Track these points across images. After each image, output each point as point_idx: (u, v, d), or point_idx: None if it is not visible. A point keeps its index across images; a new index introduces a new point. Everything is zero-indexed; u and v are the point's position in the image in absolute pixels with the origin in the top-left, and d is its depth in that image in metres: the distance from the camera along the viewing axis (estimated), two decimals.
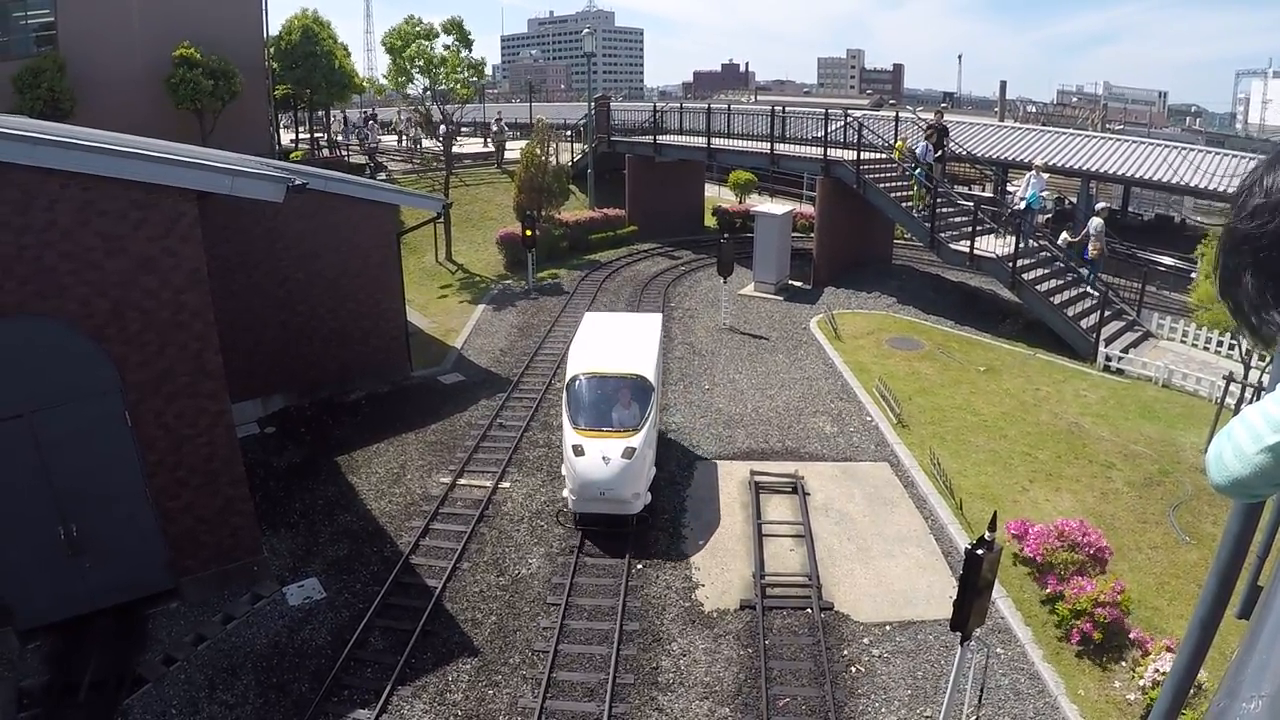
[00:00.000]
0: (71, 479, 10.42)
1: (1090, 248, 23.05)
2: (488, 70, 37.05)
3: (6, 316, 9.59)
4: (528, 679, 10.35)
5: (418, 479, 15.26)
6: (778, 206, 29.55)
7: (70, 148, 9.64)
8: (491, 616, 11.53)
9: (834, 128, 26.70)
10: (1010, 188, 30.76)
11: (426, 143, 41.40)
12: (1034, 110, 74.62)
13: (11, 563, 10.36)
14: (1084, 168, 32.66)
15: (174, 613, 11.34)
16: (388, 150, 42.63)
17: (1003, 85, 64.46)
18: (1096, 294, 22.51)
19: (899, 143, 27.75)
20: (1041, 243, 24.20)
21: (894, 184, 25.78)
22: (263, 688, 10.18)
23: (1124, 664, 10.35)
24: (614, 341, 15.14)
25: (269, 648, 10.86)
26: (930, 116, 28.80)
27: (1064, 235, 24.69)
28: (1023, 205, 23.78)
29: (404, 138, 42.58)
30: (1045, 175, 25.32)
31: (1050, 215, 26.84)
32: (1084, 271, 23.48)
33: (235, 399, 12.25)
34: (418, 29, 30.02)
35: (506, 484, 15.00)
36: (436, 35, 30.15)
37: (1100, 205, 24.85)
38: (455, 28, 30.32)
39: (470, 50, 30.61)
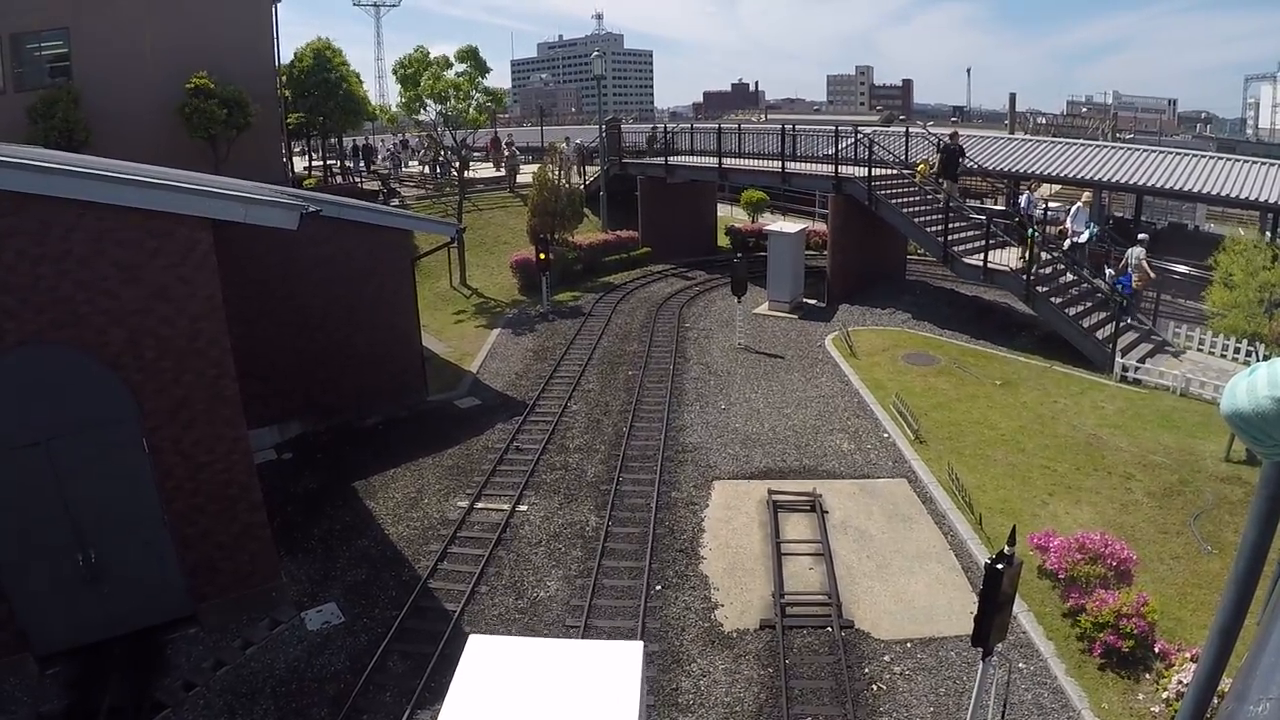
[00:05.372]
0: (89, 506, 10.49)
1: (1134, 279, 22.71)
2: (504, 99, 36.94)
3: (24, 345, 9.68)
4: None
5: (435, 503, 15.26)
6: (790, 225, 29.57)
7: (85, 177, 9.76)
8: None
9: (845, 145, 26.72)
10: (1021, 201, 30.61)
11: (422, 168, 41.67)
12: (1044, 122, 74.40)
13: (30, 589, 10.41)
14: (1096, 178, 32.57)
15: (193, 638, 11.35)
16: (401, 177, 42.81)
17: (1012, 97, 64.43)
18: (1138, 327, 22.31)
19: (922, 164, 27.71)
20: (1055, 255, 24.04)
21: (907, 200, 25.76)
22: (282, 712, 10.17)
23: (1148, 676, 10.23)
24: None
25: (288, 672, 10.86)
26: (940, 131, 28.76)
27: (1109, 272, 24.18)
28: (1083, 239, 23.44)
29: (433, 165, 42.64)
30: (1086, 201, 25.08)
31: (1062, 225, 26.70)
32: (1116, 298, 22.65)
33: (252, 425, 12.31)
34: (430, 59, 30.10)
35: (524, 507, 14.98)
36: (450, 65, 30.23)
37: (1141, 235, 24.29)
38: (470, 55, 30.38)
39: (484, 77, 30.68)
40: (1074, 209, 24.49)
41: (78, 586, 10.60)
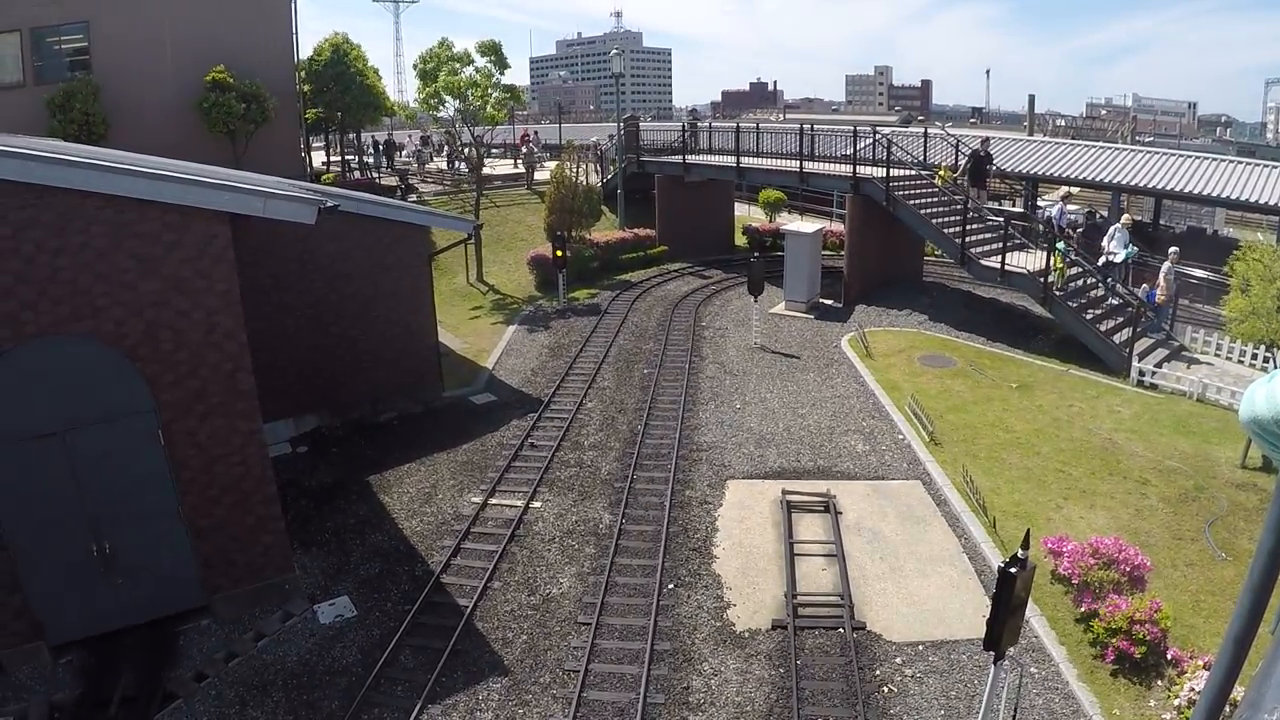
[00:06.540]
0: (105, 496, 10.55)
1: (1159, 292, 22.46)
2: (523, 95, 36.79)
3: (41, 336, 9.75)
4: (558, 698, 10.31)
5: (449, 498, 15.29)
6: (808, 225, 29.50)
7: (105, 170, 9.80)
8: (522, 636, 11.52)
9: (863, 145, 26.62)
10: (1041, 202, 30.42)
11: (442, 164, 41.59)
12: (1063, 124, 74.07)
13: (45, 578, 10.48)
14: (1114, 181, 32.39)
15: (205, 629, 11.42)
16: (422, 173, 42.88)
17: (1031, 99, 64.07)
18: (1160, 335, 22.17)
19: (942, 168, 27.60)
20: (1075, 257, 23.85)
21: (924, 201, 25.67)
22: (293, 705, 10.21)
23: (1160, 683, 10.17)
24: None
25: (299, 665, 10.91)
26: (959, 132, 28.62)
27: (1144, 286, 23.88)
28: (1119, 258, 23.26)
29: (450, 161, 42.61)
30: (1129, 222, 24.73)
31: (1081, 229, 26.49)
32: (1150, 314, 22.34)
33: (267, 419, 12.34)
34: (451, 54, 30.04)
35: (538, 504, 15.00)
36: (471, 61, 30.19)
37: (1172, 249, 23.93)
38: (492, 50, 30.33)
39: (503, 73, 30.60)
40: (1113, 229, 24.17)
41: (92, 576, 10.67)
